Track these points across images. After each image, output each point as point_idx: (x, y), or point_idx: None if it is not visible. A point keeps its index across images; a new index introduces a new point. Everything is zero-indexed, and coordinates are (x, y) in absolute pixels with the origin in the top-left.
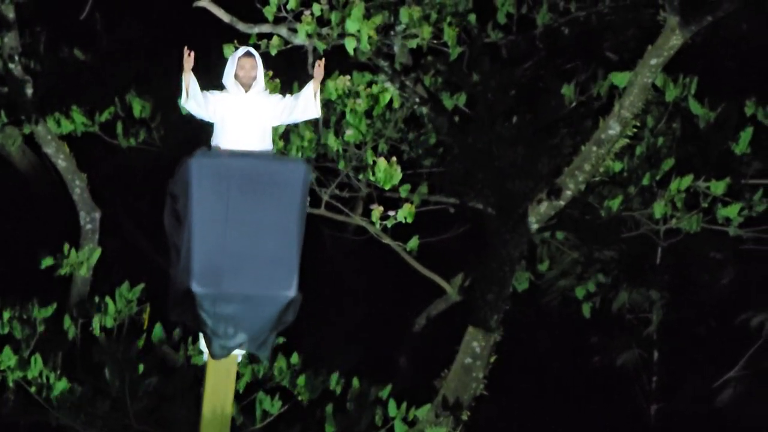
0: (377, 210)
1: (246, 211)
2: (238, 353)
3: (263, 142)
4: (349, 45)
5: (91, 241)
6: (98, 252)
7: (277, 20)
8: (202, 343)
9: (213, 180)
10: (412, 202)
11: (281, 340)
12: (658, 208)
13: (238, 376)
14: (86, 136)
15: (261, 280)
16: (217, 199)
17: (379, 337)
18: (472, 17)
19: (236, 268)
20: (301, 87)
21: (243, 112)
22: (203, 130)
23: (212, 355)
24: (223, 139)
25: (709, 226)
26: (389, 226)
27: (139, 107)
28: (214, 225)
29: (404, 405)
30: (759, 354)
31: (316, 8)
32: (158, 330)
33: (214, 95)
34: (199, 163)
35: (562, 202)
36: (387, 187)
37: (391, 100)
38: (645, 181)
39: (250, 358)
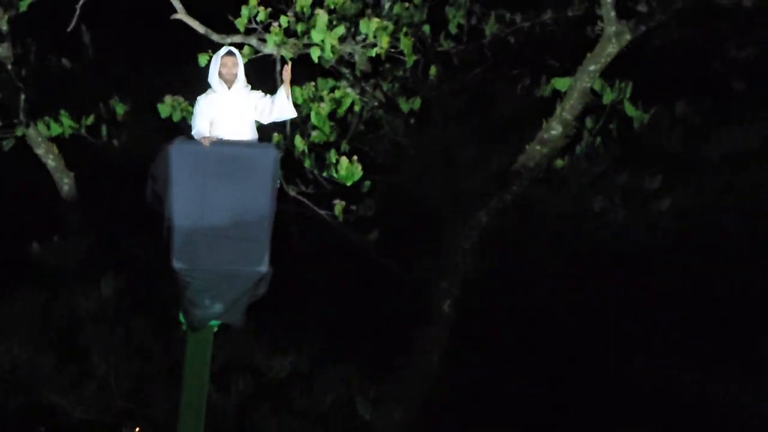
0: (339, 205)
1: (221, 193)
2: (215, 324)
3: (251, 133)
4: (314, 54)
5: (77, 234)
6: (84, 244)
7: (248, 31)
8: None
9: (190, 165)
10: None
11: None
12: (596, 203)
13: (214, 358)
14: (74, 138)
15: (236, 256)
16: (194, 183)
17: (343, 323)
18: (426, 28)
19: (213, 245)
20: (272, 92)
21: (228, 107)
22: (181, 132)
23: (191, 327)
24: (216, 133)
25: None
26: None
27: (121, 110)
28: (192, 206)
29: (366, 384)
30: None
31: (284, 20)
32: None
33: (206, 102)
34: (178, 150)
35: (509, 197)
36: (349, 184)
37: (352, 104)
38: (584, 178)
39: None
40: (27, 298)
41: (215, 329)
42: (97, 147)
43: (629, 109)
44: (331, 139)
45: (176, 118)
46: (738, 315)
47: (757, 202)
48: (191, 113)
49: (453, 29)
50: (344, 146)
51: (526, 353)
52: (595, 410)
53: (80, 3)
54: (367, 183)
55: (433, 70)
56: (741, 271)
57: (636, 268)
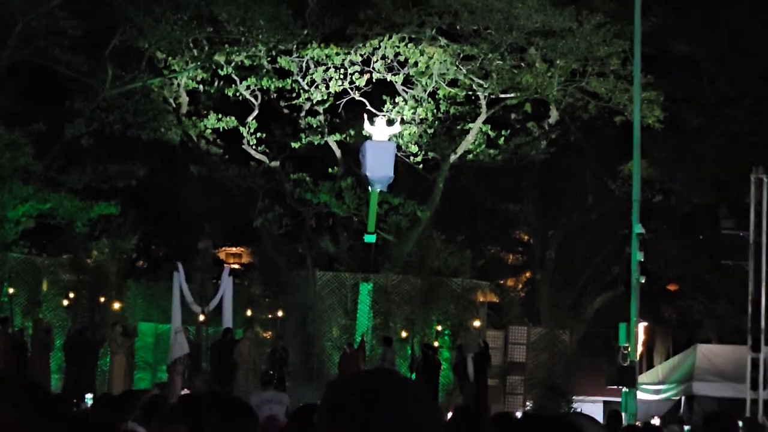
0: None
1: (381, 154)
2: (378, 189)
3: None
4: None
5: None
6: None
7: None
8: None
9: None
10: None
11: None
12: None
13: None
14: None
15: (383, 172)
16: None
17: None
18: None
19: (374, 168)
20: None
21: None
22: None
23: (372, 189)
24: None
25: None
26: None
27: None
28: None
29: None
30: None
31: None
32: None
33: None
34: (369, 144)
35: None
36: None
37: None
38: None
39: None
40: None
41: (378, 191)
42: None
43: None
44: None
45: None
46: None
47: None
48: None
49: None
50: None
51: None
52: None
53: None
54: None
55: None
56: None
57: None
